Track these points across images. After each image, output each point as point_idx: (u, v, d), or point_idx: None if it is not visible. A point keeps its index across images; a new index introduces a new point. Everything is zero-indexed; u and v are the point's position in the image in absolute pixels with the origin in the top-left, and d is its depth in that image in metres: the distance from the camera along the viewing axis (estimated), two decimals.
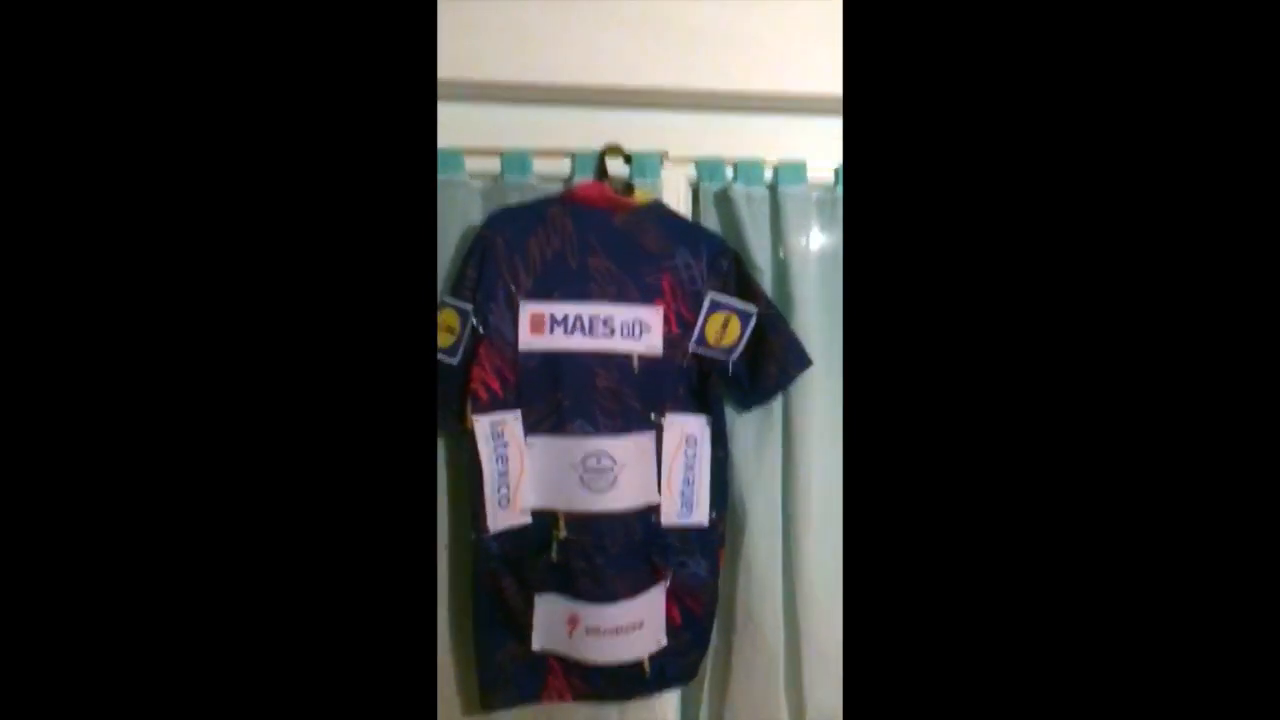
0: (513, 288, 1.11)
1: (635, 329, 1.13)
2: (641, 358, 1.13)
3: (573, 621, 1.09)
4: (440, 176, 1.15)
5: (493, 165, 1.17)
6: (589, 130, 1.17)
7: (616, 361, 1.12)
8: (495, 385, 1.10)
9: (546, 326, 1.11)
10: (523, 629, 1.10)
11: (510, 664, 1.11)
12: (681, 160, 1.20)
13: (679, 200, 1.21)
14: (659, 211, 1.16)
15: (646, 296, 1.14)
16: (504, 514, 1.09)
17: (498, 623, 1.10)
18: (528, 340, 1.11)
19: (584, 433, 1.10)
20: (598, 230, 1.13)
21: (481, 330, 1.09)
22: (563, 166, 1.18)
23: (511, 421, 1.10)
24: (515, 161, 1.16)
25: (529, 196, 1.15)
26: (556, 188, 1.18)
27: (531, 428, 1.11)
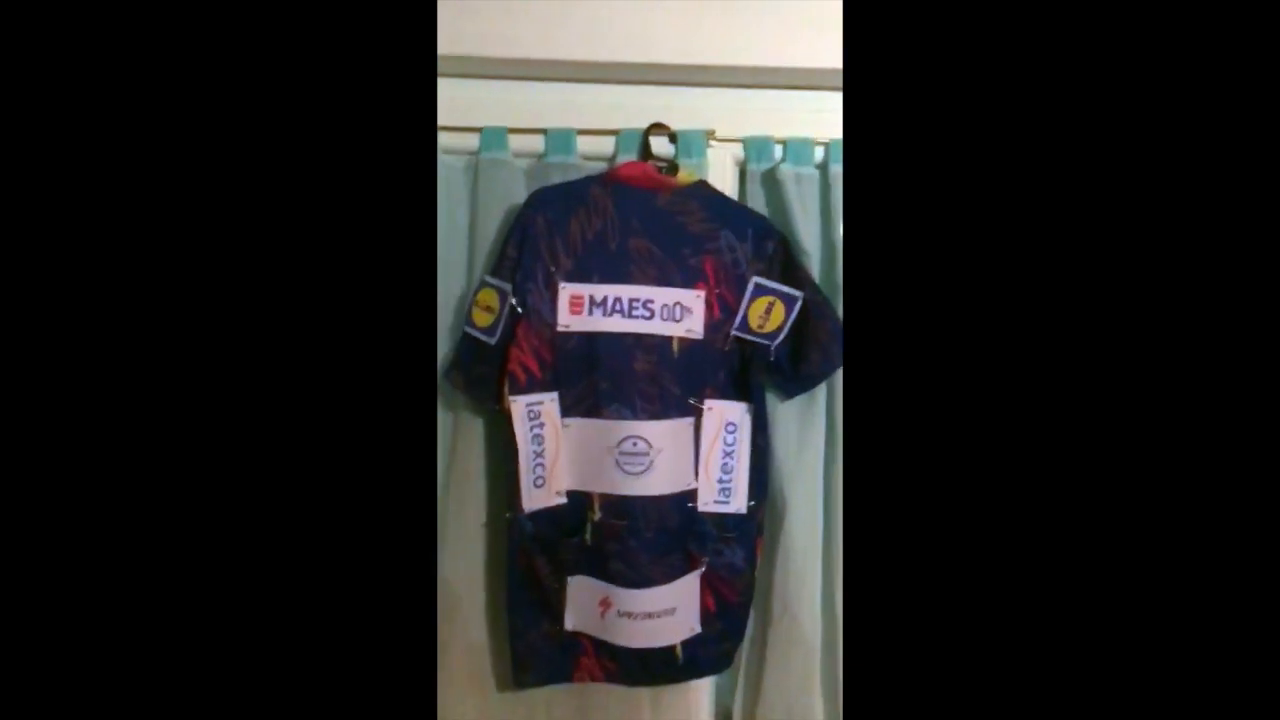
0: (552, 268, 1.10)
1: (675, 312, 1.11)
2: (681, 341, 1.11)
3: (605, 604, 1.09)
4: (484, 155, 1.15)
5: (537, 144, 1.16)
6: (634, 108, 1.16)
7: (655, 345, 1.10)
8: (533, 366, 1.10)
9: (585, 308, 1.10)
10: (556, 609, 1.10)
11: (543, 643, 1.12)
12: (728, 139, 1.17)
13: (725, 180, 1.18)
14: (703, 192, 1.14)
15: (688, 279, 1.11)
16: (539, 494, 1.10)
17: (531, 602, 1.11)
18: (566, 321, 1.10)
19: (620, 416, 1.09)
20: (640, 211, 1.12)
21: (520, 310, 1.09)
22: (607, 145, 1.16)
23: (548, 403, 1.10)
24: (559, 140, 1.15)
25: (572, 176, 1.14)
26: (600, 167, 1.16)
27: (568, 409, 1.10)
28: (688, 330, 1.12)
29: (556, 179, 1.14)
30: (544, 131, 1.15)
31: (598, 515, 1.10)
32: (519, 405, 1.08)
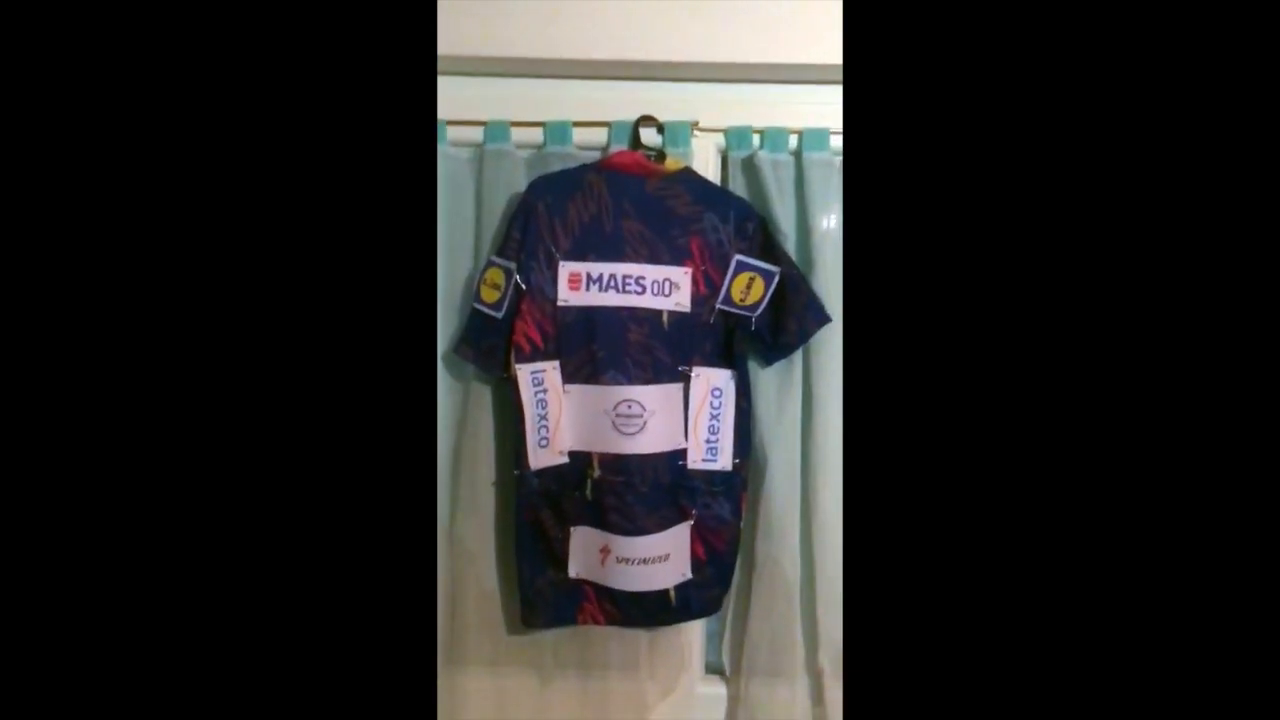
0: (552, 248, 1.21)
1: (665, 287, 1.22)
2: (671, 314, 1.22)
3: (605, 551, 1.21)
4: (488, 147, 1.26)
5: (536, 136, 1.27)
6: (625, 102, 1.26)
7: (647, 317, 1.21)
8: (536, 337, 1.21)
9: (583, 284, 1.21)
10: (560, 557, 1.22)
11: (549, 589, 1.23)
12: (711, 129, 1.27)
13: (708, 167, 1.28)
14: (689, 178, 1.24)
15: (676, 258, 1.22)
16: (544, 454, 1.21)
17: (538, 551, 1.23)
18: (566, 296, 1.21)
19: (616, 382, 1.20)
20: (631, 196, 1.22)
21: (524, 287, 1.20)
22: (600, 136, 1.26)
23: (551, 370, 1.21)
24: (557, 132, 1.26)
25: (569, 164, 1.25)
26: (594, 156, 1.27)
27: (569, 376, 1.22)
28: (676, 304, 1.23)
29: (555, 167, 1.25)
30: (543, 124, 1.25)
31: (597, 472, 1.21)
32: (524, 373, 1.19)
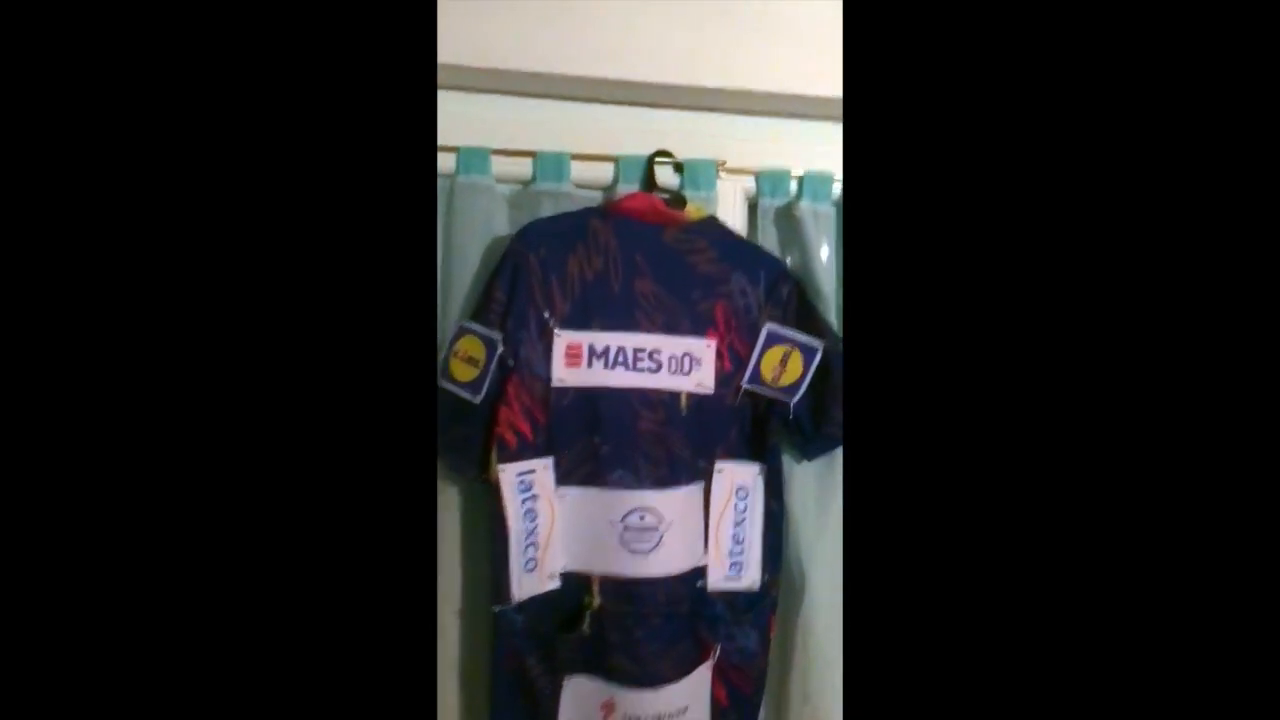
0: (546, 314, 0.95)
1: (685, 364, 0.98)
2: (690, 397, 0.98)
3: (607, 708, 0.94)
4: (461, 178, 0.99)
5: (524, 168, 1.01)
6: (636, 132, 1.03)
7: (663, 401, 0.97)
8: (524, 428, 0.94)
9: (584, 359, 0.96)
10: (549, 717, 0.93)
11: None
12: (739, 170, 1.05)
13: (734, 216, 1.07)
14: (714, 229, 1.01)
15: (698, 327, 0.99)
16: (530, 579, 0.93)
17: (520, 708, 0.94)
18: (562, 375, 0.95)
19: (625, 484, 0.95)
20: (645, 248, 0.98)
21: (511, 362, 0.93)
22: (604, 172, 1.03)
23: (541, 470, 0.94)
24: (550, 164, 1.01)
25: (564, 206, 1.00)
26: (595, 196, 1.02)
27: (564, 477, 0.95)
28: (698, 384, 0.99)
29: (546, 209, 1.00)
30: (532, 154, 1.01)
31: (597, 601, 0.94)
32: (508, 474, 0.92)
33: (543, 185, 1.01)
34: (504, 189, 1.02)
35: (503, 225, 1.01)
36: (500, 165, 1.00)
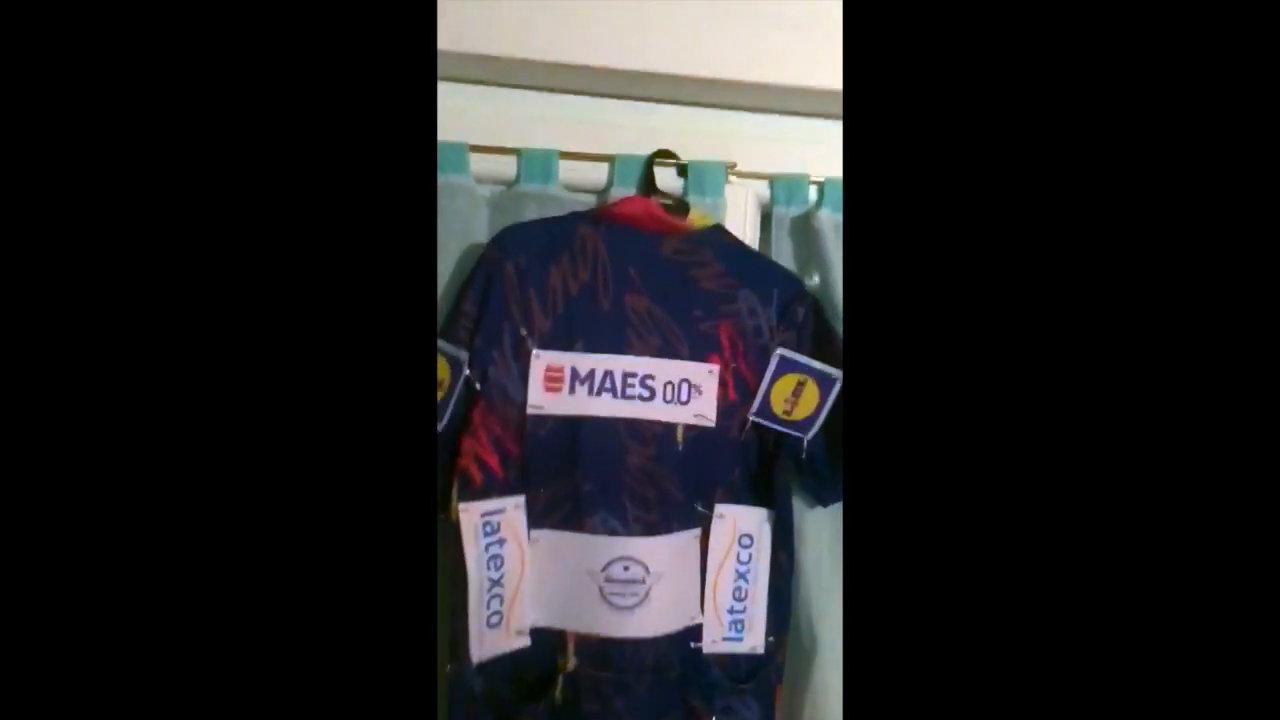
0: (523, 331, 0.84)
1: (683, 392, 0.86)
2: (688, 429, 0.86)
3: None
4: (439, 177, 0.89)
5: (507, 167, 0.91)
6: (634, 129, 0.92)
7: (656, 434, 0.85)
8: (493, 461, 0.82)
9: (566, 384, 0.84)
10: None
11: None
12: (751, 175, 0.93)
13: (744, 226, 0.95)
14: (720, 239, 0.90)
15: (698, 350, 0.87)
16: (493, 636, 0.81)
17: None
18: (540, 401, 0.83)
19: (608, 529, 0.83)
20: (640, 260, 0.87)
21: (478, 386, 0.82)
22: (597, 174, 0.92)
23: (511, 510, 0.82)
24: (537, 163, 0.90)
25: (551, 210, 0.89)
26: (587, 200, 0.92)
27: (538, 518, 0.83)
28: (697, 415, 0.86)
29: (532, 213, 0.89)
30: (517, 152, 0.90)
31: (573, 662, 0.82)
32: (471, 515, 0.80)
33: (527, 186, 0.90)
34: (484, 190, 0.92)
35: (482, 230, 0.90)
36: (480, 163, 0.90)
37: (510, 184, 0.91)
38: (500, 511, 0.82)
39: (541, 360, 0.84)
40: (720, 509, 0.87)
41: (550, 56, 0.87)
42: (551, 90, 0.92)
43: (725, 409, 0.87)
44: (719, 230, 0.90)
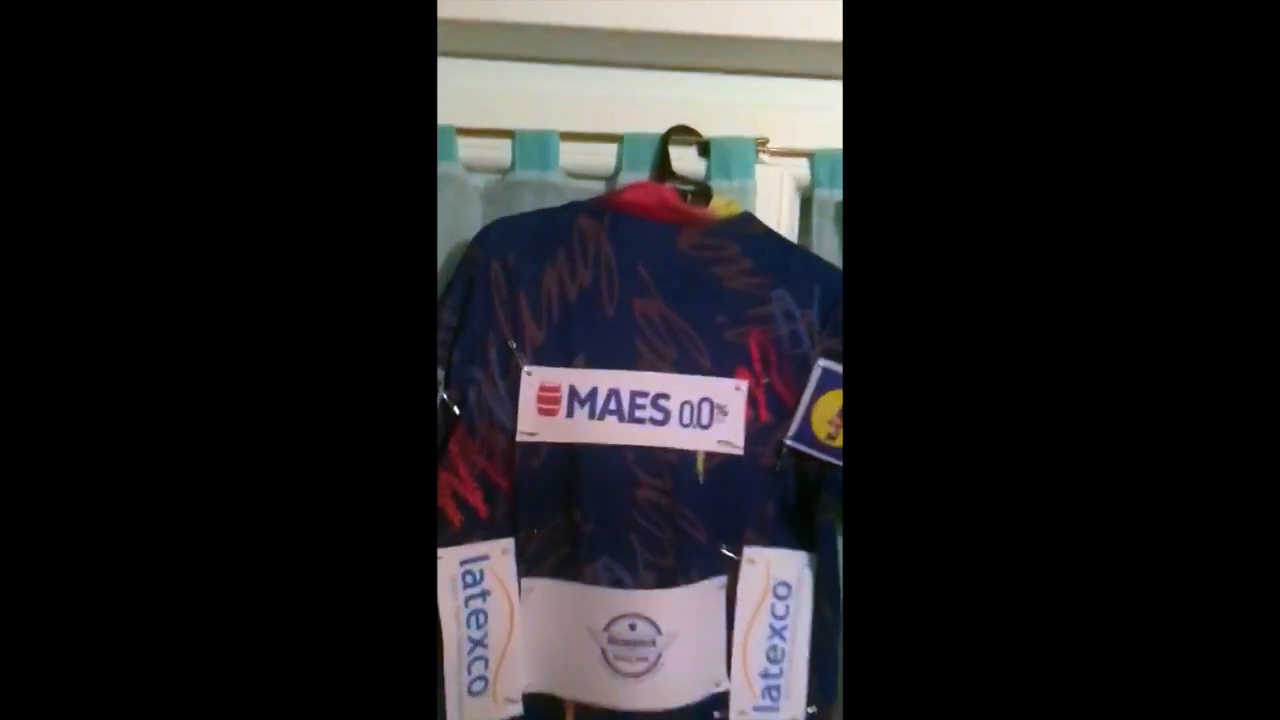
0: (512, 343, 0.72)
1: (703, 413, 0.73)
2: (710, 458, 0.73)
3: None
4: None
5: (501, 153, 0.79)
6: (646, 103, 0.80)
7: (671, 463, 0.72)
8: (475, 499, 0.71)
9: (564, 405, 0.72)
10: None
11: None
12: (787, 153, 0.80)
13: (780, 213, 0.81)
14: (749, 230, 0.76)
15: (723, 363, 0.73)
16: (477, 705, 0.70)
17: None
18: (533, 426, 0.71)
19: (612, 580, 0.70)
20: (652, 256, 0.74)
21: (457, 410, 0.70)
22: (604, 157, 0.80)
23: (498, 556, 0.71)
24: (533, 146, 0.79)
25: (552, 200, 0.77)
26: (594, 189, 0.79)
27: (531, 565, 0.72)
28: (721, 441, 0.73)
29: (529, 204, 0.78)
30: (511, 134, 0.78)
31: None
32: (449, 562, 0.69)
33: (524, 173, 0.79)
34: (476, 180, 0.81)
35: (475, 226, 0.79)
36: (471, 148, 0.79)
37: (504, 172, 0.80)
38: (483, 559, 0.70)
39: (534, 378, 0.71)
40: (750, 552, 0.73)
41: (546, 19, 0.74)
42: (548, 61, 0.80)
43: (756, 433, 0.73)
44: (748, 219, 0.76)
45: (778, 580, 0.74)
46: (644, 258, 0.73)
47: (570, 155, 0.79)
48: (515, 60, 0.80)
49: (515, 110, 0.79)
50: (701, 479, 0.72)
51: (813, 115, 0.79)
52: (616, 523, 0.71)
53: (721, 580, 0.73)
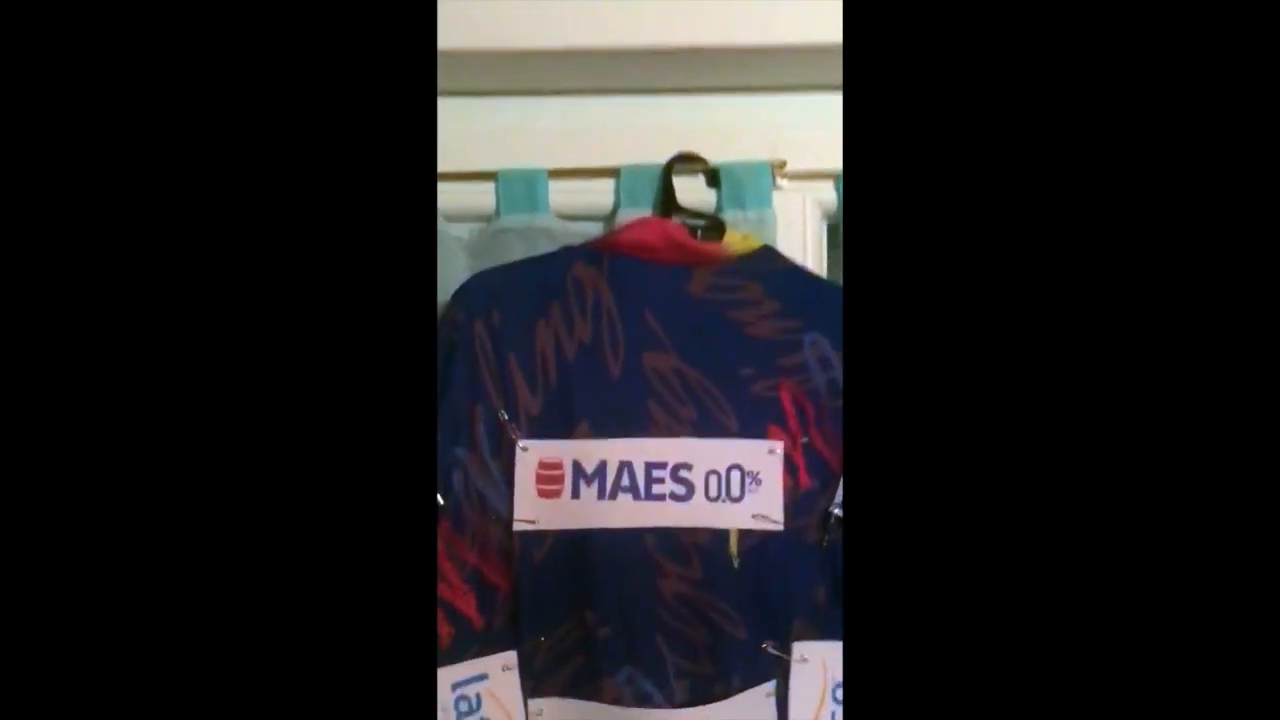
0: (503, 415, 0.61)
1: (734, 483, 0.62)
2: (747, 536, 0.61)
3: None
4: None
5: (483, 199, 0.70)
6: (645, 130, 0.70)
7: (700, 546, 0.61)
8: (468, 606, 0.60)
9: (568, 484, 0.61)
10: None
11: None
12: (809, 174, 0.70)
13: (803, 244, 0.71)
14: (771, 266, 0.66)
15: (753, 422, 0.63)
16: None
17: None
18: (533, 511, 0.61)
19: (638, 696, 0.59)
20: (661, 303, 0.64)
21: (440, 500, 0.60)
22: (600, 196, 0.70)
23: (498, 675, 0.59)
24: (519, 187, 0.69)
25: (543, 247, 0.67)
26: (591, 232, 0.69)
27: (539, 682, 0.60)
28: (756, 515, 0.62)
29: (518, 254, 0.68)
30: (493, 176, 0.69)
31: None
32: (439, 687, 0.57)
33: (510, 219, 0.70)
34: (458, 230, 0.71)
35: (460, 283, 0.69)
36: (449, 195, 0.69)
37: (489, 219, 0.70)
38: (481, 678, 0.58)
39: (531, 454, 0.61)
40: (801, 649, 0.61)
41: (525, 44, 0.65)
42: (531, 93, 0.71)
43: (797, 502, 0.62)
44: (768, 254, 0.66)
45: (836, 681, 0.62)
46: (651, 305, 0.63)
47: (562, 195, 0.69)
48: (494, 95, 0.71)
49: (497, 149, 0.70)
50: (736, 563, 0.61)
51: (835, 132, 0.69)
52: (639, 624, 0.59)
53: (770, 686, 0.61)
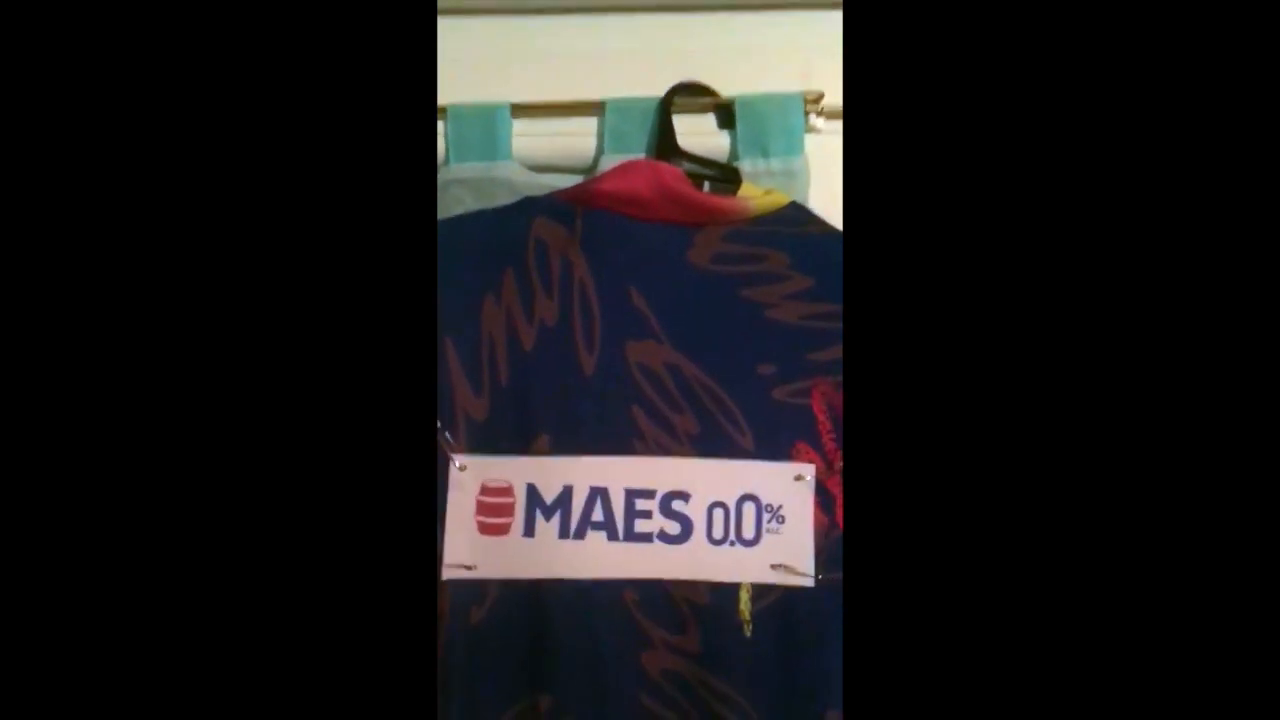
0: (437, 423, 0.46)
1: (744, 520, 0.48)
2: (764, 594, 0.48)
3: None
4: None
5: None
6: (638, 54, 0.57)
7: (699, 607, 0.47)
8: None
9: (519, 517, 0.48)
10: None
11: None
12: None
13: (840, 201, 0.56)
14: (801, 230, 0.52)
15: (772, 437, 0.49)
16: None
17: None
18: (468, 553, 0.47)
19: None
20: (653, 275, 0.50)
21: None
22: (578, 139, 0.57)
23: None
24: (475, 125, 0.56)
25: (502, 200, 0.54)
26: (562, 182, 0.55)
27: None
28: (777, 565, 0.48)
29: (469, 206, 0.55)
30: (442, 111, 0.56)
31: None
32: None
33: (462, 169, 0.56)
34: None
35: None
36: None
37: (440, 164, 0.56)
38: None
39: (470, 475, 0.46)
40: None
41: None
42: (493, 11, 0.57)
43: (832, 547, 0.47)
44: (798, 213, 0.53)
45: None
46: (639, 277, 0.49)
47: (529, 139, 0.55)
48: (448, 14, 0.57)
49: (447, 79, 0.55)
50: (749, 630, 0.46)
51: None
52: (613, 713, 0.44)
53: None
